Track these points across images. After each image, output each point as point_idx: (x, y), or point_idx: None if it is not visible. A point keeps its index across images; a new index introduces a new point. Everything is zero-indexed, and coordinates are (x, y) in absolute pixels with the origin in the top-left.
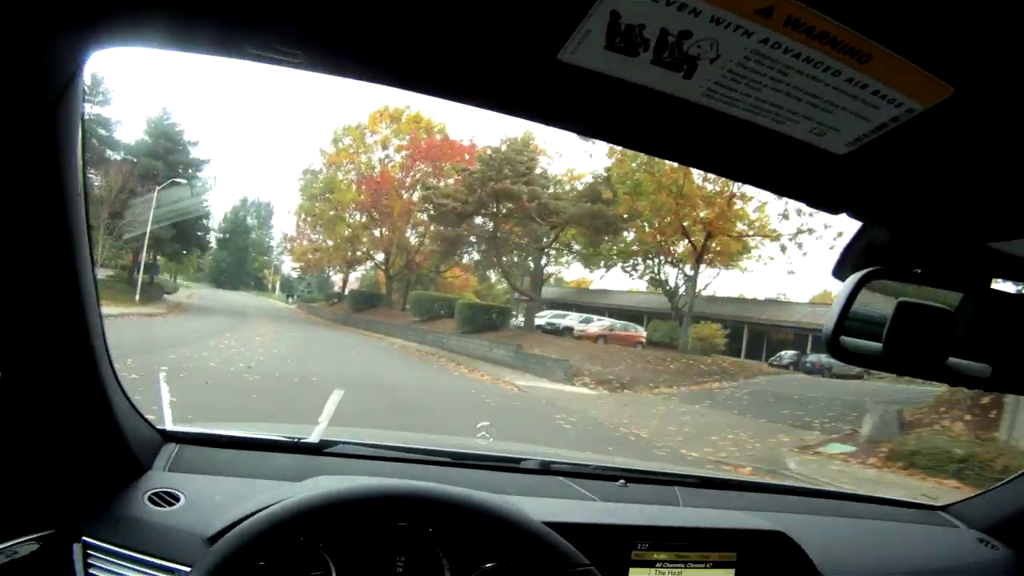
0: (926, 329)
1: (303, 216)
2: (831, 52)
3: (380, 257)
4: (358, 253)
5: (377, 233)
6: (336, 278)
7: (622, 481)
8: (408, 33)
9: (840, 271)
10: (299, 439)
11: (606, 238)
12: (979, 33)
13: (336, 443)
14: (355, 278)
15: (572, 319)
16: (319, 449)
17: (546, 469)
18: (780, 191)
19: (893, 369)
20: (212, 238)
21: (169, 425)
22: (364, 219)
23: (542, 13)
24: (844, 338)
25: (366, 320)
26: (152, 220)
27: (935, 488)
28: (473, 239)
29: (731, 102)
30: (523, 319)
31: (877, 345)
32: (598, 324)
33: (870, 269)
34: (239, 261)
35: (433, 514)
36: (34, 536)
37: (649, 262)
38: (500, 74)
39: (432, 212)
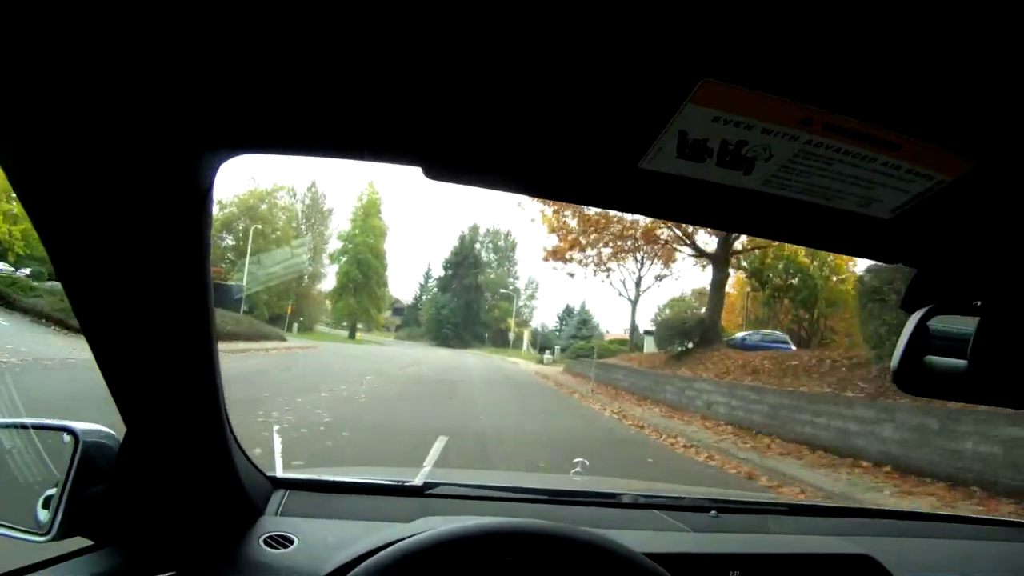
0: (1013, 337)
1: None
2: (865, 145)
3: None
4: None
5: None
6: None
7: (714, 512)
8: (521, 152)
9: (907, 307)
10: (403, 482)
11: None
12: (988, 115)
13: (439, 485)
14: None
15: None
16: (422, 491)
17: (641, 503)
18: (835, 250)
19: (978, 392)
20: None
21: (279, 472)
22: None
23: (625, 134)
24: (929, 357)
25: None
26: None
27: None
28: None
29: (786, 188)
30: None
31: (961, 362)
32: None
33: (929, 307)
34: (467, 307)
35: (538, 548)
36: None
37: None
38: (595, 179)
39: None
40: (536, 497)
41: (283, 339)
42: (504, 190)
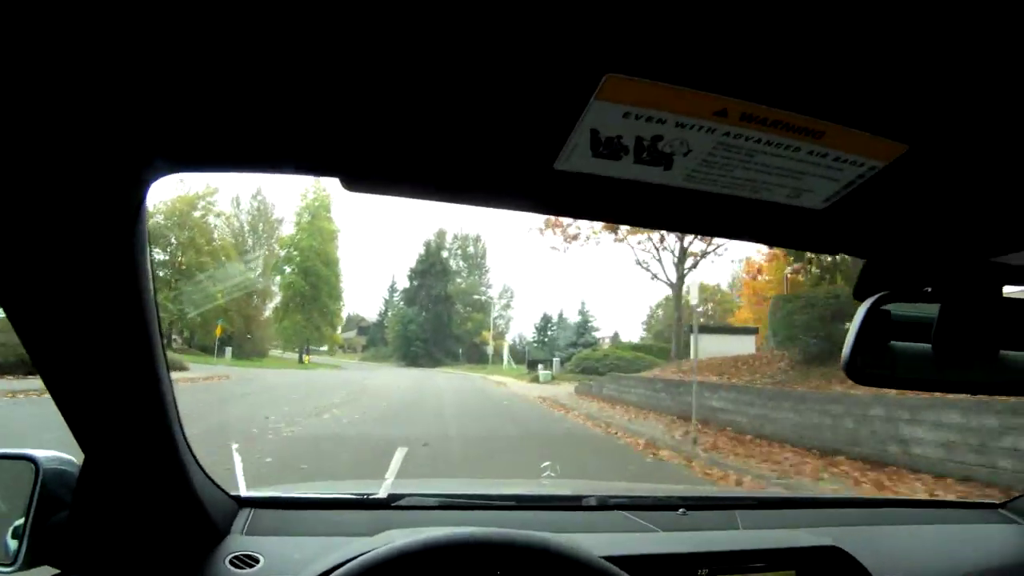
0: (976, 321)
1: None
2: (787, 134)
3: None
4: None
5: None
6: None
7: (682, 510)
8: (439, 160)
9: (859, 295)
10: (368, 495)
11: None
12: (916, 98)
13: (403, 496)
14: None
15: None
16: (387, 503)
17: (606, 504)
18: (771, 243)
19: (942, 379)
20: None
21: (243, 491)
22: None
23: (537, 136)
24: (894, 343)
25: None
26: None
27: None
28: None
29: (710, 183)
30: None
31: (926, 346)
32: None
33: (879, 295)
34: (436, 320)
35: (497, 557)
36: None
37: None
38: (512, 183)
39: None
40: (502, 504)
41: (183, 368)
42: (423, 198)
